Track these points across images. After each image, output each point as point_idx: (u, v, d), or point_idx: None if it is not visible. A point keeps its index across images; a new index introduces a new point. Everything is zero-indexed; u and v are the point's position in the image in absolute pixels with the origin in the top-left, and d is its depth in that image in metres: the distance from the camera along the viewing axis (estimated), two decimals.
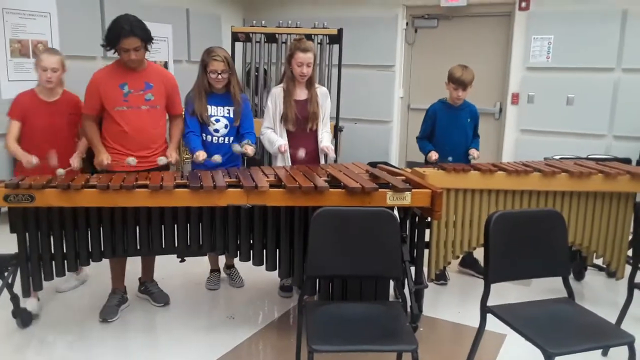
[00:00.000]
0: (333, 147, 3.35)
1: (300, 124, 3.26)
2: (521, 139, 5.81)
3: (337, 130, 5.35)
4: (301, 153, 3.21)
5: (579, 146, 5.17)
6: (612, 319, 2.52)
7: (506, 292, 3.29)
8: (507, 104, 5.85)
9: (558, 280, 2.40)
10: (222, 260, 3.63)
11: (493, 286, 2.30)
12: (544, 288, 3.38)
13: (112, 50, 2.95)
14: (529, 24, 5.60)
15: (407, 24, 6.34)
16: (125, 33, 2.84)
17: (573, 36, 5.40)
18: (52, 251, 2.72)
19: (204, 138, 3.20)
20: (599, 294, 3.57)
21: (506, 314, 2.25)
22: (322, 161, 3.38)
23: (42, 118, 3.01)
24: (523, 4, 5.60)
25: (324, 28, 5.25)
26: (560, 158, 3.83)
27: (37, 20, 4.69)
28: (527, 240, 2.32)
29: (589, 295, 3.54)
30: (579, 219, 3.22)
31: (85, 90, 3.03)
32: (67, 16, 4.89)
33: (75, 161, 3.03)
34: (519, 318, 2.20)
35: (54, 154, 2.85)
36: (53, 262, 2.74)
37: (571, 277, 3.70)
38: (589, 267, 3.74)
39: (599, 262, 3.58)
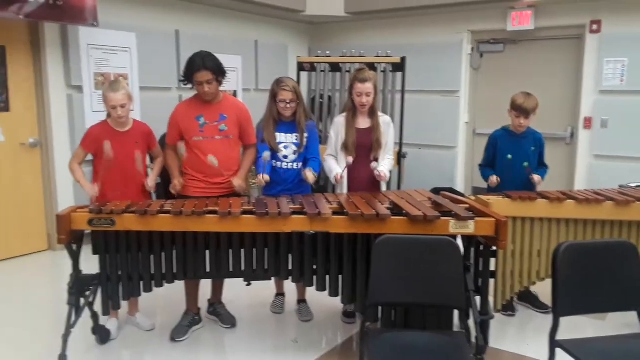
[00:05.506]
0: (388, 175, 3.32)
1: (363, 152, 3.30)
2: (594, 165, 5.58)
3: (400, 157, 5.34)
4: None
5: None
6: None
7: (580, 326, 3.15)
8: (579, 128, 5.66)
9: (635, 314, 2.29)
10: (289, 287, 3.59)
11: (566, 319, 2.23)
12: (621, 323, 3.21)
13: (190, 85, 3.16)
14: (601, 46, 5.43)
15: (472, 49, 6.31)
16: (198, 67, 3.05)
17: None
18: (129, 272, 2.88)
19: (274, 164, 3.31)
20: None
21: (576, 349, 2.16)
22: (384, 188, 3.39)
23: (117, 148, 3.12)
24: (594, 27, 5.45)
25: (386, 57, 5.31)
26: (637, 186, 3.66)
27: (119, 55, 5.05)
28: (598, 272, 2.24)
29: None
30: None
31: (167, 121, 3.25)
32: (146, 51, 5.23)
33: (150, 180, 3.21)
34: (590, 354, 2.12)
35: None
36: (130, 283, 2.90)
37: None
38: None
39: None
